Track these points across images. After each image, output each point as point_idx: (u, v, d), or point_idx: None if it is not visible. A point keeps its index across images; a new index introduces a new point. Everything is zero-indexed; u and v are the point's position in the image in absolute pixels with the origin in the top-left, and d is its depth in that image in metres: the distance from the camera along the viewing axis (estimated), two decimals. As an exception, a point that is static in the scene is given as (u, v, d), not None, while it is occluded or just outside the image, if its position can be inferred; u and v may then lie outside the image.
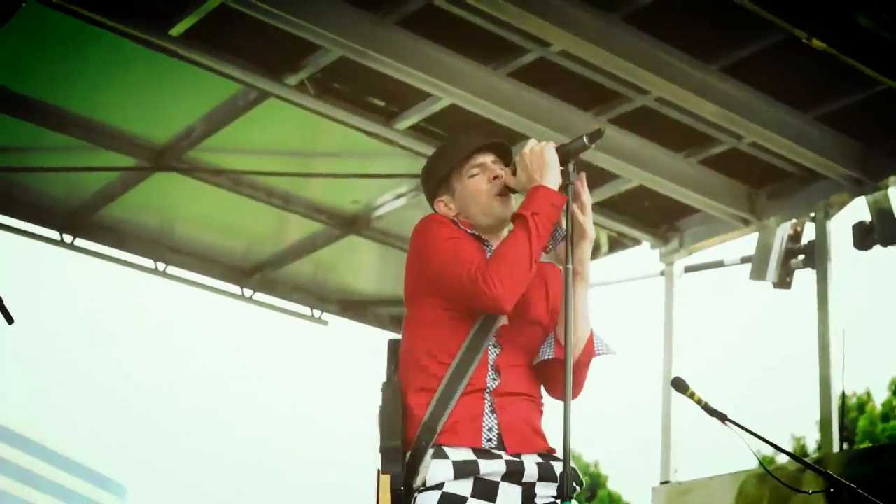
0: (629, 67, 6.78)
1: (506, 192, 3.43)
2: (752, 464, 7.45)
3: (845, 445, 8.09)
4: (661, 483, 8.27)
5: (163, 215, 9.17)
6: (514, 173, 3.35)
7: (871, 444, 22.23)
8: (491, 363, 3.29)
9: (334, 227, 9.17)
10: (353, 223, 9.10)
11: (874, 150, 7.74)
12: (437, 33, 6.83)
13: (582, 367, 3.39)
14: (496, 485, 3.14)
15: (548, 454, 3.29)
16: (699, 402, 4.71)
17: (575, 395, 3.29)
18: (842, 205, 8.03)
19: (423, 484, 3.11)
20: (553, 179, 3.25)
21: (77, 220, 9.00)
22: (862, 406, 26.73)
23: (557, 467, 3.22)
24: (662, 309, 8.81)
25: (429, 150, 7.73)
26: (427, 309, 3.32)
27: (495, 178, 3.43)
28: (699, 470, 8.45)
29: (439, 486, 3.10)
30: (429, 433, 3.17)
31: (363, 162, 8.39)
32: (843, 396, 7.75)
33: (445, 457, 3.13)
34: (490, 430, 3.21)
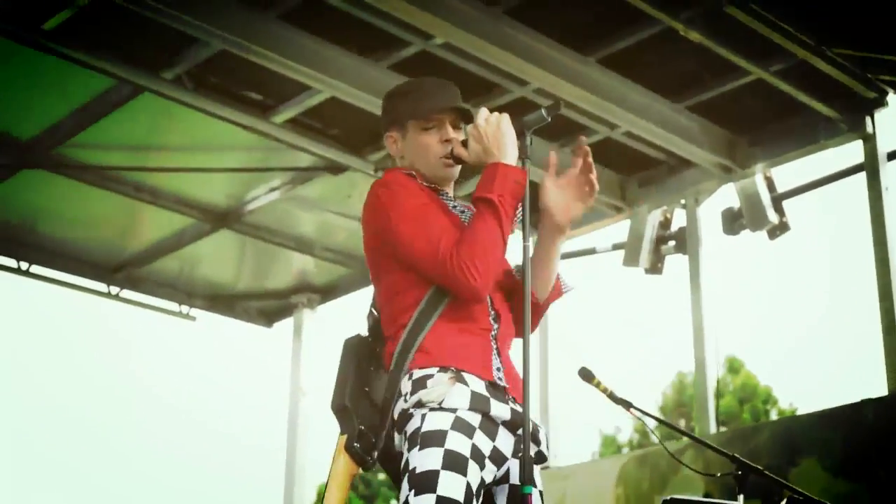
0: (509, 58, 6.85)
1: (450, 158, 3.38)
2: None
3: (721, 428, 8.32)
4: (541, 469, 8.37)
5: (26, 213, 8.93)
6: (464, 144, 3.31)
7: (734, 426, 22.88)
8: (490, 303, 3.28)
9: (205, 221, 9.05)
10: (224, 218, 9.00)
11: (741, 138, 8.00)
12: (319, 27, 6.81)
13: (547, 306, 3.48)
14: (497, 427, 3.12)
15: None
16: (605, 391, 4.83)
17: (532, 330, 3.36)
18: (711, 191, 8.28)
19: (439, 403, 3.05)
20: (511, 154, 3.21)
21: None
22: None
23: (542, 432, 3.30)
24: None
25: (305, 144, 7.74)
26: (398, 275, 3.27)
27: (446, 141, 3.39)
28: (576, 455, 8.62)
29: (453, 410, 3.06)
30: (405, 352, 3.15)
31: (238, 155, 8.30)
32: (720, 382, 7.99)
33: (465, 383, 3.09)
34: (498, 369, 3.21)
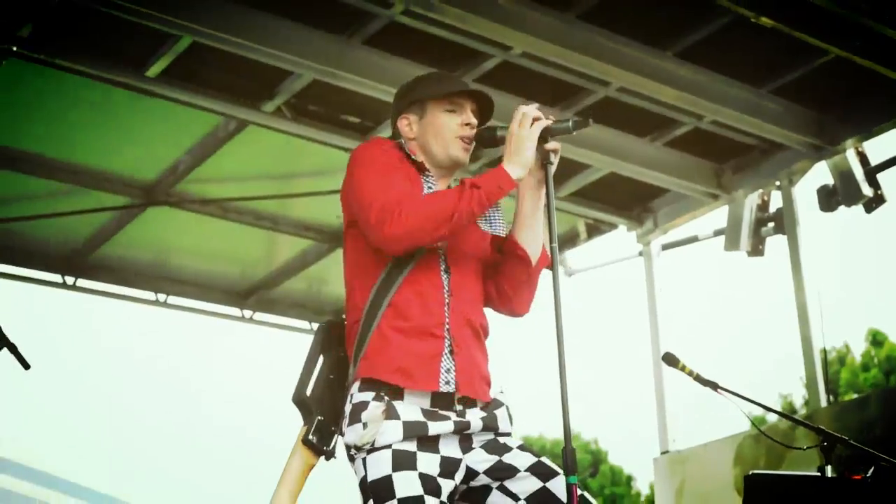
0: (589, 62, 6.80)
1: (469, 141, 3.34)
2: (746, 426, 7.44)
3: (831, 399, 8.10)
4: (662, 453, 8.28)
5: (158, 248, 9.16)
6: (498, 136, 3.28)
7: (855, 396, 22.31)
8: (446, 291, 3.20)
9: (323, 241, 9.17)
10: (340, 237, 9.07)
11: (829, 116, 7.78)
12: (403, 48, 6.82)
13: (539, 271, 3.37)
14: (438, 437, 3.06)
15: (488, 404, 3.20)
16: (690, 373, 4.73)
17: (526, 309, 3.39)
18: (804, 171, 8.07)
19: (373, 444, 2.99)
20: (518, 167, 3.14)
21: (76, 261, 9.00)
22: (843, 359, 26.87)
23: (500, 414, 3.18)
24: (644, 287, 8.84)
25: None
26: (352, 239, 3.26)
27: (467, 124, 3.34)
28: (696, 438, 8.47)
29: (388, 446, 3.00)
30: (357, 353, 3.10)
31: (340, 177, 8.36)
32: (825, 353, 7.78)
33: (397, 415, 3.01)
34: (448, 371, 3.11)
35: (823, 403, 7.63)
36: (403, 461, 2.98)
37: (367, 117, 7.55)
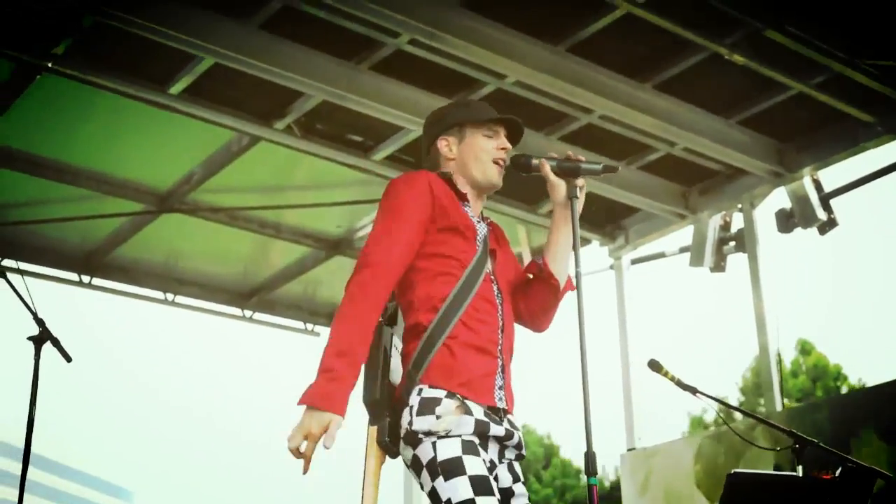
0: (575, 91, 6.85)
1: (504, 164, 3.34)
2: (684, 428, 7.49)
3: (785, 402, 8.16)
4: (628, 450, 8.32)
5: (169, 252, 9.12)
6: (533, 164, 3.30)
7: (805, 403, 22.49)
8: (500, 315, 3.22)
9: (321, 249, 9.17)
10: (337, 245, 9.10)
11: (789, 146, 7.87)
12: (406, 75, 6.85)
13: (563, 296, 3.40)
14: (488, 440, 3.08)
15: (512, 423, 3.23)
16: (672, 379, 4.76)
17: (548, 325, 3.42)
18: (764, 195, 8.14)
19: (447, 433, 2.98)
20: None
21: (93, 261, 8.95)
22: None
23: (519, 435, 3.20)
24: (614, 298, 8.88)
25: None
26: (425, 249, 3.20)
27: (502, 148, 3.35)
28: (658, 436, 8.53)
29: (458, 436, 3.00)
30: (421, 359, 3.06)
31: (345, 190, 8.38)
32: (781, 361, 7.85)
33: (470, 412, 3.02)
34: (500, 388, 3.15)
35: (779, 408, 7.70)
36: (470, 449, 3.00)
37: (369, 137, 7.56)
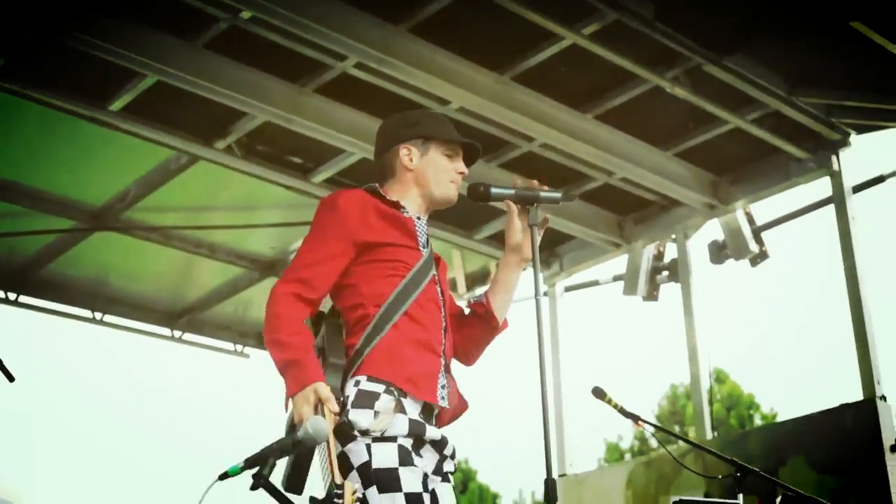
0: (519, 119, 6.90)
1: (458, 182, 3.41)
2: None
3: (715, 433, 8.28)
4: (560, 476, 8.36)
5: (100, 269, 8.96)
6: (491, 194, 3.35)
7: (732, 430, 22.75)
8: (444, 317, 3.27)
9: (254, 270, 9.10)
10: (271, 266, 9.04)
11: (723, 179, 8.00)
12: (351, 98, 6.85)
13: (497, 333, 3.46)
14: (424, 444, 3.09)
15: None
16: (616, 406, 4.84)
17: (479, 357, 3.46)
18: (697, 227, 8.27)
19: (383, 433, 2.99)
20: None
21: (20, 278, 8.75)
22: (689, 395, 27.41)
23: (450, 446, 3.21)
24: (548, 324, 8.95)
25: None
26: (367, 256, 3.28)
27: (461, 172, 3.41)
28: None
29: (394, 439, 3.01)
30: (363, 348, 3.12)
31: (280, 212, 8.35)
32: (712, 390, 7.96)
33: (404, 411, 3.05)
34: (443, 387, 3.17)
35: (709, 436, 7.81)
36: (406, 458, 3.00)
37: (309, 159, 7.53)
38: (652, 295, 8.58)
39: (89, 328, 9.25)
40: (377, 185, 3.41)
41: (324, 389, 2.95)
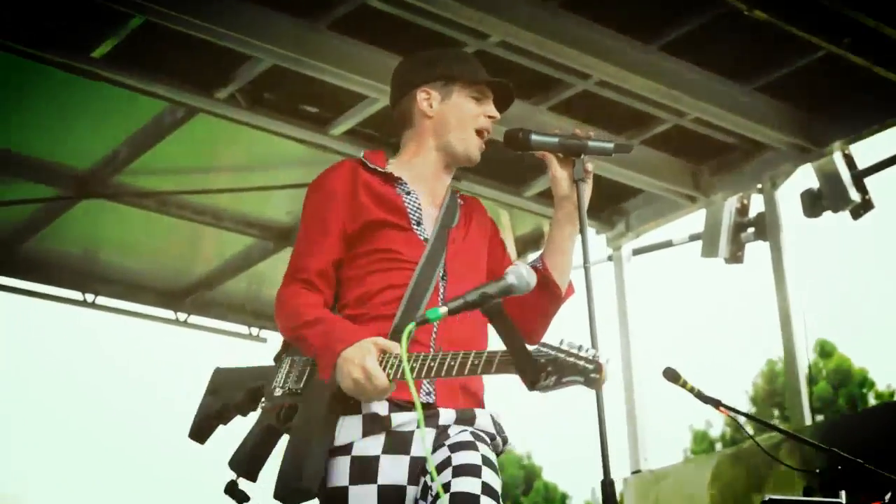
0: (570, 52, 6.87)
1: (487, 135, 3.39)
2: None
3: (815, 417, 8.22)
4: (633, 473, 8.35)
5: (88, 243, 9.07)
6: (532, 142, 3.31)
7: (845, 414, 22.56)
8: (441, 300, 3.20)
9: (268, 240, 9.14)
10: (287, 235, 9.07)
11: (816, 116, 7.91)
12: (370, 34, 6.84)
13: (564, 300, 3.41)
14: (410, 434, 3.03)
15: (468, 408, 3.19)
16: (692, 390, 4.83)
17: (545, 331, 3.39)
18: (788, 174, 8.19)
19: (332, 444, 2.99)
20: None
21: (-2, 258, 8.87)
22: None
23: (480, 414, 3.17)
24: (613, 293, 8.91)
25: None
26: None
27: (490, 116, 3.38)
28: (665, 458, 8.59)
29: (347, 449, 3.00)
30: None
31: (295, 171, 8.36)
32: (813, 367, 7.90)
33: (357, 411, 3.02)
34: (430, 382, 3.11)
35: (808, 421, 7.75)
36: (362, 473, 3.03)
37: (326, 107, 7.54)
38: (736, 256, 8.52)
39: (79, 312, 9.37)
40: (367, 153, 3.46)
41: (369, 346, 2.95)
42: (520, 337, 2.74)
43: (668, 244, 9.15)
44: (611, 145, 3.29)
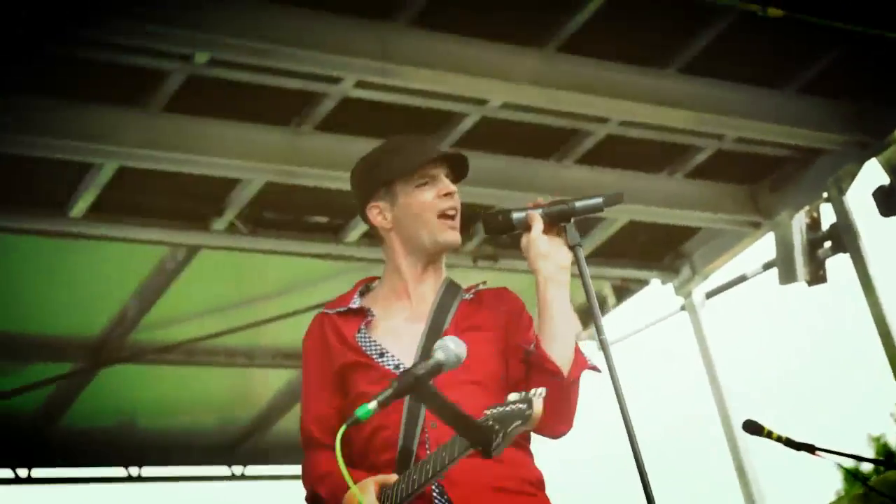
0: (579, 98, 6.84)
1: (454, 214, 3.34)
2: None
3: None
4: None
5: (120, 414, 9.10)
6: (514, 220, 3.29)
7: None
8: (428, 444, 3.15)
9: (306, 367, 9.11)
10: (325, 359, 9.04)
11: (868, 106, 7.79)
12: (362, 126, 6.84)
13: (576, 383, 3.24)
14: None
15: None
16: (779, 439, 4.70)
17: (568, 426, 3.26)
18: (853, 175, 8.04)
19: None
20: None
21: (25, 449, 8.91)
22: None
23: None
24: (694, 345, 8.80)
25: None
26: None
27: (445, 194, 3.33)
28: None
29: None
30: None
31: (322, 288, 8.34)
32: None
33: None
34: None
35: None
36: None
37: (336, 215, 7.55)
38: (817, 276, 8.35)
39: (125, 489, 9.36)
40: (330, 303, 3.48)
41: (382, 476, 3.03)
42: (461, 412, 2.77)
43: (742, 279, 8.99)
44: (599, 200, 3.25)
